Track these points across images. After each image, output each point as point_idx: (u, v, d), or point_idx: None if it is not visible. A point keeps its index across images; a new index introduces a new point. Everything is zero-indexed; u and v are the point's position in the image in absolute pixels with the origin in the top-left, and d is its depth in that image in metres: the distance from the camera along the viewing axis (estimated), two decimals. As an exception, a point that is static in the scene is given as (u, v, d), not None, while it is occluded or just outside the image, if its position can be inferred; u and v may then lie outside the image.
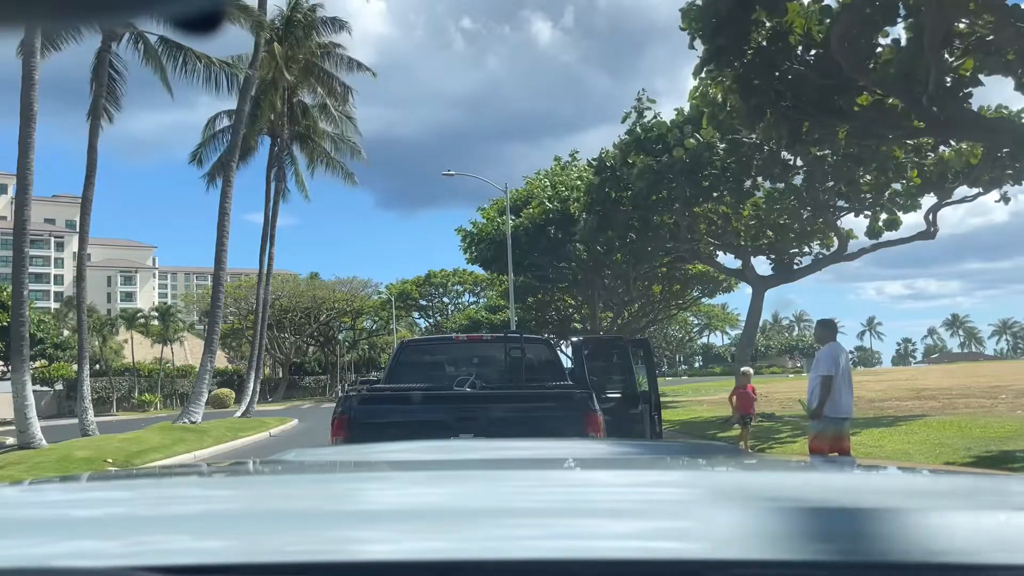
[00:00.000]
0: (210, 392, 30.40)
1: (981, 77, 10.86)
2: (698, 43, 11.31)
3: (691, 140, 18.07)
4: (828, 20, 10.76)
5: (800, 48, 11.47)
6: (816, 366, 8.54)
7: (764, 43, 11.13)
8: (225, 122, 30.75)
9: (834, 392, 8.12)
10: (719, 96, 12.63)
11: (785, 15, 10.70)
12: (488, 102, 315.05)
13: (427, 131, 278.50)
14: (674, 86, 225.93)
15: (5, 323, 25.25)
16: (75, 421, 22.79)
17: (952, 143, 15.58)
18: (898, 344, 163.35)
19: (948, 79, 10.76)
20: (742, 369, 13.96)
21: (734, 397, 13.27)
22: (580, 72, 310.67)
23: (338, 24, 31.85)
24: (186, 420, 22.55)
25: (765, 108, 11.59)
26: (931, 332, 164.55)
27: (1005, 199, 16.61)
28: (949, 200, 18.69)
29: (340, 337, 68.64)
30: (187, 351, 59.42)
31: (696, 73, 12.08)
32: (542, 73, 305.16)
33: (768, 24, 10.96)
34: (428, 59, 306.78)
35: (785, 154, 15.77)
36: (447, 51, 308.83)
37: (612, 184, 20.58)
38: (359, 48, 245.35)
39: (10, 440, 19.05)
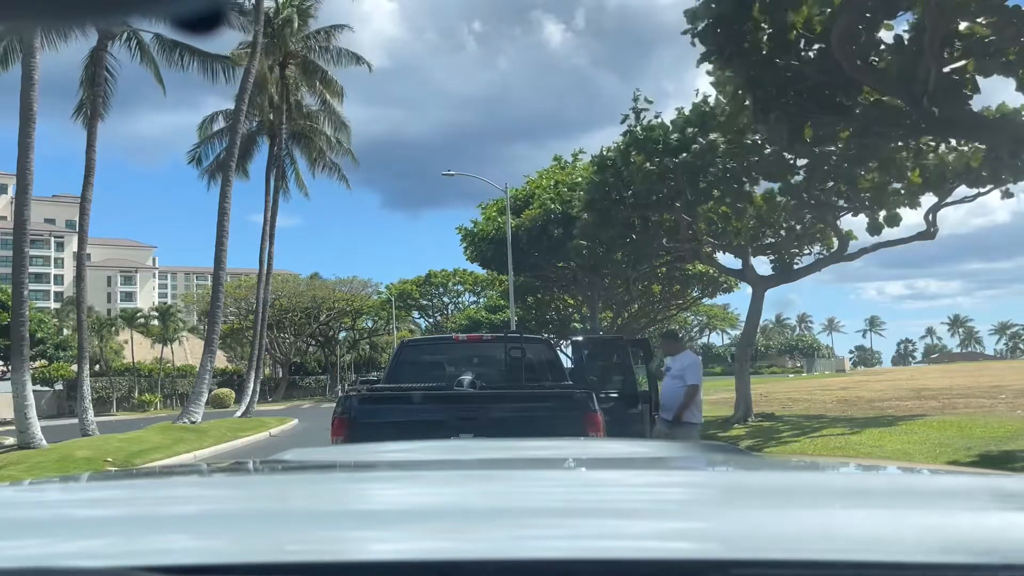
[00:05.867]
0: (210, 392, 30.38)
1: (981, 80, 10.85)
2: (698, 40, 11.36)
3: (695, 146, 18.06)
4: (828, 10, 10.75)
5: (802, 43, 11.46)
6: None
7: (764, 38, 11.13)
8: (222, 122, 30.77)
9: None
10: (726, 91, 12.63)
11: (801, 5, 10.70)
12: (496, 103, 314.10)
13: (433, 132, 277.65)
14: (681, 87, 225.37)
15: (5, 323, 25.26)
16: (75, 421, 22.80)
17: (952, 143, 15.58)
18: (898, 344, 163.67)
19: (948, 80, 10.76)
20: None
21: None
22: (588, 73, 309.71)
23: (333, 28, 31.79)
24: (186, 420, 22.54)
25: (769, 103, 11.58)
26: (931, 332, 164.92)
27: (1008, 194, 16.63)
28: (949, 201, 18.67)
29: (340, 337, 68.60)
30: (187, 351, 59.40)
31: (700, 63, 12.09)
32: (550, 74, 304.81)
33: (769, 18, 10.96)
34: (437, 60, 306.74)
35: (787, 154, 15.75)
36: (456, 53, 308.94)
37: (613, 182, 20.56)
38: (368, 49, 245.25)
39: (10, 440, 19.04)
